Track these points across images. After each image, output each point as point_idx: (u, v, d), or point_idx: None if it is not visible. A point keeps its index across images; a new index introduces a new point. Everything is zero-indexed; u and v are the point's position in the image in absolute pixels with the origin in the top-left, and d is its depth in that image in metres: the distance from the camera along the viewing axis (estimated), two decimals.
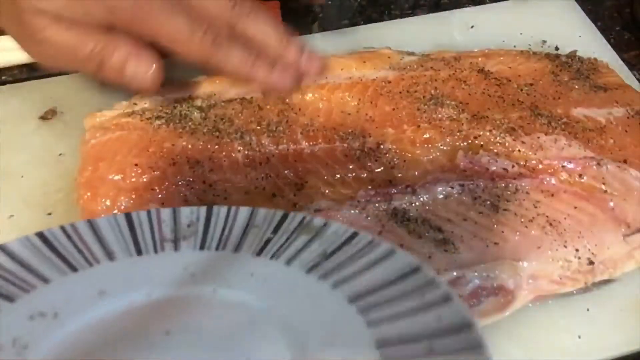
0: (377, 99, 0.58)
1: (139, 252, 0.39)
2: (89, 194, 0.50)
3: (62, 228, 0.40)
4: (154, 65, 0.48)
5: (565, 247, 0.50)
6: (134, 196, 0.50)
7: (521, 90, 0.61)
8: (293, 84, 0.52)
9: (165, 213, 0.41)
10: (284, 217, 0.40)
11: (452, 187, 0.52)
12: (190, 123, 0.55)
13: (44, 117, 0.59)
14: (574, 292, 0.50)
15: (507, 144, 0.55)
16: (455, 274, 0.48)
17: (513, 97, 0.60)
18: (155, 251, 0.39)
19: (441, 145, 0.55)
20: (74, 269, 0.37)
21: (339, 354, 0.31)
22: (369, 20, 0.76)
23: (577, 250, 0.51)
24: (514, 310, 0.49)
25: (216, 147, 0.54)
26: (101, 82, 0.62)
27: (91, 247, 0.39)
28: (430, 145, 0.55)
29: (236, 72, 0.50)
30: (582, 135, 0.57)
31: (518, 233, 0.51)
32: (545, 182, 0.54)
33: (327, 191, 0.52)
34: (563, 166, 0.54)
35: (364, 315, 0.33)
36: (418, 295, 0.33)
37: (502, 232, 0.51)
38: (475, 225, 0.51)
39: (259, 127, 0.55)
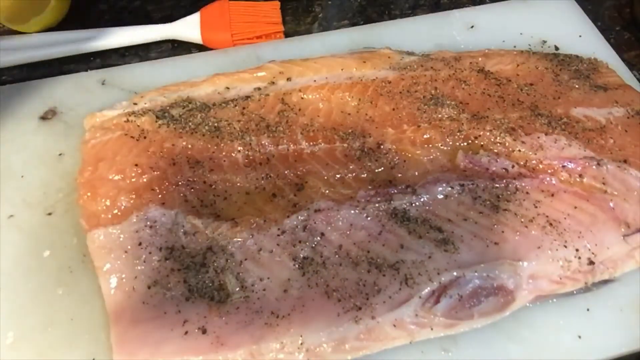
0: (377, 99, 0.58)
1: None
2: (89, 194, 0.50)
3: None
4: None
5: (565, 247, 0.50)
6: (134, 196, 0.50)
7: (521, 90, 0.61)
8: None
9: None
10: None
11: (452, 187, 0.52)
12: (190, 123, 0.55)
13: (44, 117, 0.59)
14: (574, 292, 0.50)
15: (507, 144, 0.55)
16: (455, 274, 0.48)
17: (513, 97, 0.60)
18: None
19: (441, 145, 0.55)
20: None
21: None
22: (369, 20, 0.76)
23: (577, 250, 0.51)
24: (514, 310, 0.49)
25: (216, 147, 0.54)
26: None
27: None
28: (430, 145, 0.55)
29: None
30: (582, 135, 0.57)
31: (518, 233, 0.51)
32: (545, 182, 0.54)
33: (327, 191, 0.52)
34: (563, 166, 0.54)
35: None
36: None
37: (502, 232, 0.51)
38: (475, 225, 0.51)
39: (259, 127, 0.55)
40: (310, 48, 0.67)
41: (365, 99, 0.58)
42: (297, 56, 0.64)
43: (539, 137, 0.56)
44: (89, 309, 0.48)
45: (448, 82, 0.61)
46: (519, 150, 0.55)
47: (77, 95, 0.61)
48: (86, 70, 0.67)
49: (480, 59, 0.64)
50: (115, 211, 0.49)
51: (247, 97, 0.58)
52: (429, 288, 0.47)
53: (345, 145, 0.55)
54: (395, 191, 0.52)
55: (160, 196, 0.50)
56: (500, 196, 0.52)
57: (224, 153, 0.53)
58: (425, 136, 0.55)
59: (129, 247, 0.48)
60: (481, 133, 0.56)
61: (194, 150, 0.53)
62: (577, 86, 0.62)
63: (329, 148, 0.55)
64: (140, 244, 0.48)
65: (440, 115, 0.57)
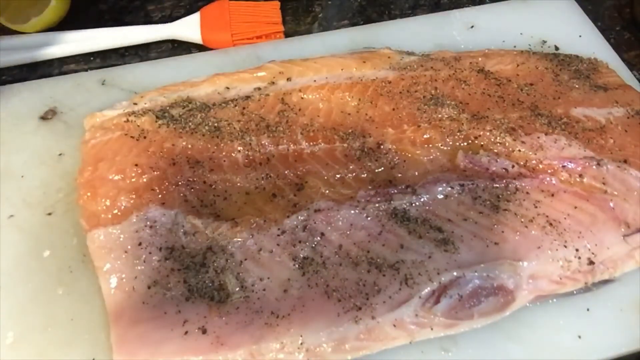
0: (377, 99, 0.58)
1: None
2: (89, 194, 0.50)
3: None
4: None
5: (565, 247, 0.50)
6: (134, 196, 0.50)
7: (521, 90, 0.61)
8: None
9: None
10: None
11: (452, 187, 0.52)
12: (190, 123, 0.55)
13: (44, 117, 0.59)
14: (574, 292, 0.50)
15: (507, 144, 0.55)
16: (455, 274, 0.48)
17: (513, 97, 0.60)
18: None
19: (441, 145, 0.55)
20: None
21: None
22: (369, 20, 0.76)
23: (577, 250, 0.51)
24: (513, 310, 0.49)
25: (216, 147, 0.54)
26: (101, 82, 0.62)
27: None
28: (430, 145, 0.55)
29: None
30: (582, 135, 0.57)
31: (518, 233, 0.51)
32: (545, 182, 0.54)
33: (327, 191, 0.52)
34: (563, 166, 0.54)
35: None
36: None
37: (502, 232, 0.51)
38: (475, 225, 0.51)
39: (258, 127, 0.55)
40: (310, 48, 0.67)
41: (365, 99, 0.58)
42: (297, 56, 0.64)
43: (539, 137, 0.56)
44: (89, 309, 0.48)
45: (448, 82, 0.61)
46: (519, 150, 0.55)
47: (77, 95, 0.61)
48: (86, 70, 0.67)
49: (480, 59, 0.64)
50: (115, 211, 0.49)
51: (247, 97, 0.58)
52: (429, 288, 0.47)
53: (345, 145, 0.55)
54: (395, 191, 0.52)
55: (160, 196, 0.50)
56: (500, 196, 0.52)
57: (224, 153, 0.53)
58: (425, 136, 0.55)
59: (129, 247, 0.48)
60: (481, 133, 0.56)
61: (194, 150, 0.53)
62: (577, 86, 0.62)
63: (329, 148, 0.55)
64: (140, 244, 0.48)
65: (440, 115, 0.57)
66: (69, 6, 0.71)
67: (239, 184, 0.52)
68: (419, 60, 0.63)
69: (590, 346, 0.49)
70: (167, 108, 0.56)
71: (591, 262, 0.50)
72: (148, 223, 0.49)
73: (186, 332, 0.45)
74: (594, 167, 0.54)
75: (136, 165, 0.51)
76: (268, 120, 0.56)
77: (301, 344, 0.45)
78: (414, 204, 0.51)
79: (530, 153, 0.55)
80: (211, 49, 0.69)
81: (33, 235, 0.51)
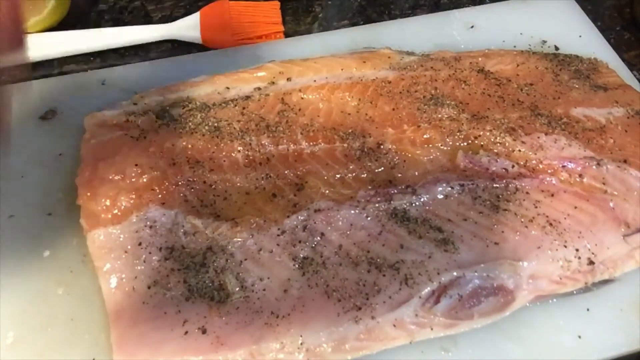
0: (377, 99, 0.58)
1: None
2: (89, 194, 0.50)
3: None
4: None
5: (565, 247, 0.50)
6: (133, 196, 0.50)
7: (521, 90, 0.61)
8: None
9: None
10: None
11: (452, 187, 0.52)
12: (190, 123, 0.55)
13: (44, 117, 0.59)
14: (574, 292, 0.50)
15: (507, 144, 0.55)
16: (455, 274, 0.48)
17: (513, 97, 0.60)
18: None
19: (441, 145, 0.55)
20: None
21: None
22: (369, 20, 0.76)
23: (577, 250, 0.51)
24: (513, 310, 0.49)
25: (216, 147, 0.54)
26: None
27: None
28: (430, 145, 0.55)
29: None
30: (582, 135, 0.57)
31: (518, 233, 0.51)
32: (545, 182, 0.54)
33: (327, 191, 0.52)
34: (563, 166, 0.54)
35: None
36: None
37: (502, 232, 0.51)
38: (475, 225, 0.51)
39: (258, 127, 0.55)
40: (310, 48, 0.67)
41: (365, 99, 0.58)
42: (297, 56, 0.64)
43: (539, 137, 0.56)
44: (89, 309, 0.48)
45: (448, 82, 0.61)
46: (519, 150, 0.55)
47: (77, 95, 0.61)
48: (86, 70, 0.67)
49: (480, 59, 0.64)
50: (115, 211, 0.49)
51: (247, 97, 0.58)
52: (429, 288, 0.47)
53: (345, 145, 0.55)
54: (395, 191, 0.52)
55: (160, 196, 0.50)
56: (500, 196, 0.52)
57: (224, 153, 0.53)
58: (425, 136, 0.55)
59: (129, 247, 0.48)
60: (481, 133, 0.56)
61: (194, 150, 0.53)
62: (577, 86, 0.62)
63: (329, 148, 0.55)
64: (140, 244, 0.48)
65: (440, 115, 0.57)
66: (69, 6, 0.71)
67: (239, 184, 0.52)
68: (419, 60, 0.63)
69: (590, 346, 0.49)
70: (167, 108, 0.56)
71: (591, 262, 0.50)
72: (148, 223, 0.49)
73: (186, 332, 0.45)
74: (594, 167, 0.54)
75: (136, 165, 0.51)
76: (268, 120, 0.56)
77: (301, 344, 0.45)
78: (414, 204, 0.51)
79: (530, 153, 0.55)
80: (211, 49, 0.69)
81: (33, 235, 0.51)
